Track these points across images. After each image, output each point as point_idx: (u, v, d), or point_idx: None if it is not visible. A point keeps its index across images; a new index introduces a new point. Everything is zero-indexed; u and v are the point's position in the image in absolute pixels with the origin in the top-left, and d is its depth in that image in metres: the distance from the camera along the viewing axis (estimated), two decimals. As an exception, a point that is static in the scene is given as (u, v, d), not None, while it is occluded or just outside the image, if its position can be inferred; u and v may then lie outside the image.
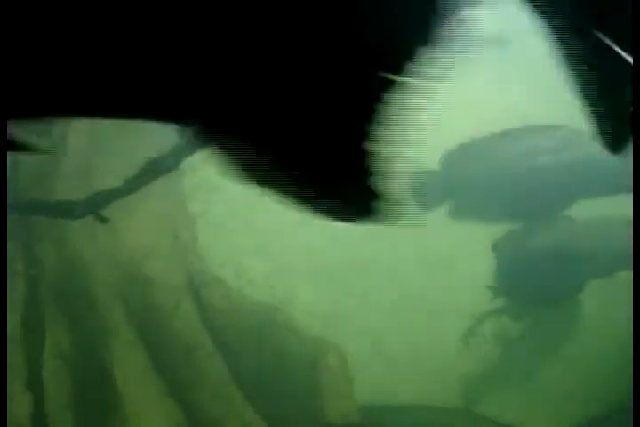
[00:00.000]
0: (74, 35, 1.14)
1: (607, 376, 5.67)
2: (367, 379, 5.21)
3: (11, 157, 4.61)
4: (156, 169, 4.31)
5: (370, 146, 1.31)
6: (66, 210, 4.50)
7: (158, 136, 4.02)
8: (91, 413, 4.66)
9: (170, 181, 4.83)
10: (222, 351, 4.95)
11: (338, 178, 1.35)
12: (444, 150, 5.61)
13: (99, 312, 4.81)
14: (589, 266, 5.61)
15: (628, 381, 4.01)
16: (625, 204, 4.95)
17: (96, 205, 4.41)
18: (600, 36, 1.42)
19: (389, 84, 1.28)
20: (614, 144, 1.58)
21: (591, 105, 1.52)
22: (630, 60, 1.42)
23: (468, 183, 5.69)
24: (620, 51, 1.42)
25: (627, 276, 5.18)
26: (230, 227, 5.89)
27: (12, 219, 4.56)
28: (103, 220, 4.44)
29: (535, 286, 5.73)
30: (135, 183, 4.37)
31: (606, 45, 1.42)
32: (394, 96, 1.28)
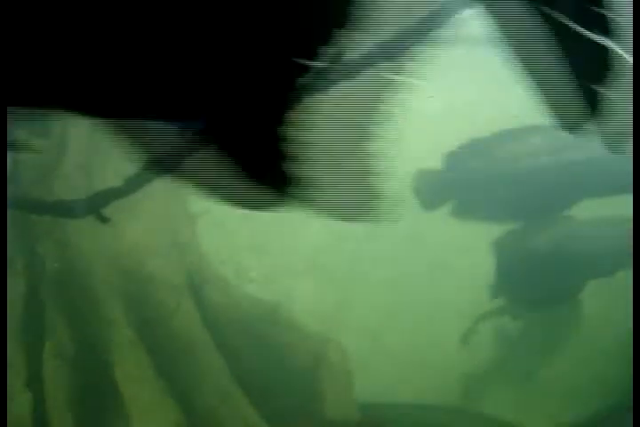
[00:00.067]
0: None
1: (607, 376, 5.67)
2: (368, 377, 5.21)
3: (11, 157, 4.61)
4: (156, 169, 4.30)
5: (285, 131, 1.29)
6: (66, 209, 4.50)
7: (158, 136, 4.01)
8: (91, 412, 4.66)
9: (170, 181, 4.82)
10: (223, 350, 4.95)
11: (252, 163, 1.32)
12: (444, 150, 5.61)
13: (99, 312, 4.81)
14: (589, 266, 5.62)
15: (628, 381, 4.01)
16: (625, 204, 4.95)
17: (96, 205, 4.42)
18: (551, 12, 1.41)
19: (303, 70, 1.25)
20: (572, 124, 1.58)
21: (547, 84, 1.51)
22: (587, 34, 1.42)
23: (467, 183, 5.70)
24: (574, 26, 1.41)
25: (627, 276, 5.18)
26: (230, 227, 5.89)
27: (12, 218, 4.56)
28: (104, 219, 4.44)
29: (535, 286, 5.74)
30: (135, 183, 4.37)
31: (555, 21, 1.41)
32: (308, 82, 1.26)
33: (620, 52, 1.44)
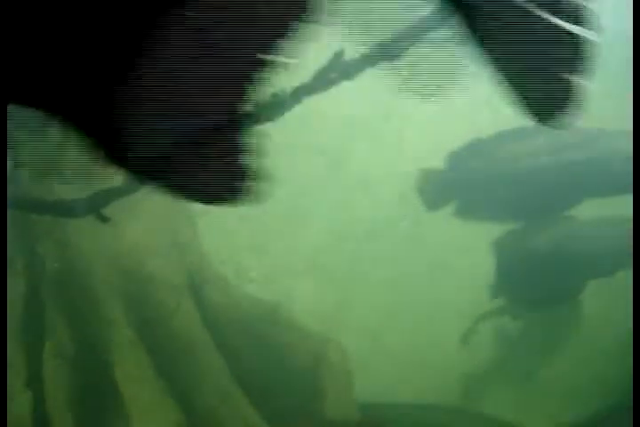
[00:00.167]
0: None
1: (607, 376, 5.67)
2: (368, 377, 5.22)
3: (11, 157, 4.61)
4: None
5: (240, 125, 1.28)
6: (66, 209, 4.50)
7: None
8: (91, 412, 4.66)
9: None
10: (223, 350, 4.95)
11: (206, 156, 1.31)
12: (445, 150, 5.62)
13: (99, 312, 4.81)
14: (589, 266, 5.62)
15: (628, 381, 4.01)
16: (625, 204, 4.96)
17: (96, 205, 4.41)
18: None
19: (261, 64, 1.24)
20: (542, 114, 1.57)
21: (519, 74, 1.50)
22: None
23: (467, 183, 5.70)
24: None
25: (627, 276, 5.18)
26: (230, 227, 5.89)
27: (12, 218, 4.56)
28: (104, 219, 4.44)
29: (535, 286, 5.74)
30: (135, 183, 4.36)
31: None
32: (266, 76, 1.24)
33: (593, 39, 1.44)
